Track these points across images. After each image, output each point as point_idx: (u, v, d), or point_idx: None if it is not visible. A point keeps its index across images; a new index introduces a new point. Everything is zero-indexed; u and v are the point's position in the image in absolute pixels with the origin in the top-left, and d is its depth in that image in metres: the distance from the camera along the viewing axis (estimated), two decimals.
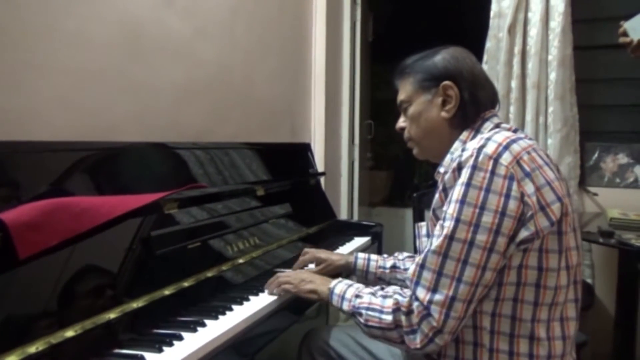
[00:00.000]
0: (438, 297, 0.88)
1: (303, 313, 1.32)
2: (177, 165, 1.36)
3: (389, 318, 0.94)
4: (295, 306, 1.23)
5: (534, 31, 2.31)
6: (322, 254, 1.37)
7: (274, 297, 1.18)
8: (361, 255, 1.36)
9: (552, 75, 2.29)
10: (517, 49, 2.34)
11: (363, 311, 0.98)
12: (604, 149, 2.38)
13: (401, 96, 1.12)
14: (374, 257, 1.36)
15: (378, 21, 3.27)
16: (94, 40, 1.33)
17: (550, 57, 2.31)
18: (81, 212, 0.89)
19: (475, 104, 1.04)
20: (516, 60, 2.35)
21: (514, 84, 2.36)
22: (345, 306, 1.04)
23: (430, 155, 1.12)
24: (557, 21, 2.27)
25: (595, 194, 2.35)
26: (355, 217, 2.92)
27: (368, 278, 1.35)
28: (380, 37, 3.32)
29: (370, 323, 0.97)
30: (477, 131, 1.03)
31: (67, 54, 1.25)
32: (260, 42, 2.11)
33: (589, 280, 2.32)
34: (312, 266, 1.40)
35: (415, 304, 0.91)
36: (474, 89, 1.04)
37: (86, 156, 1.09)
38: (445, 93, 1.04)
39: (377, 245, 1.96)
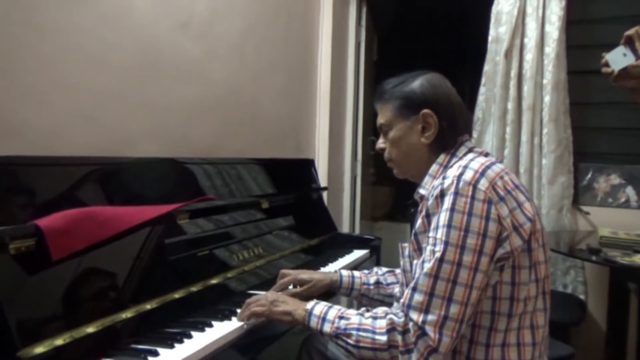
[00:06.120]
0: (431, 317, 0.92)
1: None
2: (188, 179, 1.47)
3: (382, 338, 0.96)
4: None
5: (529, 56, 2.42)
6: (304, 274, 1.36)
7: None
8: (345, 272, 1.39)
9: (547, 98, 2.39)
10: (513, 72, 2.45)
11: (353, 332, 1.00)
12: (597, 169, 2.47)
13: (381, 120, 1.17)
14: (357, 273, 1.39)
15: (382, 40, 3.39)
16: (115, 62, 1.44)
17: (545, 81, 2.41)
18: (105, 220, 1.00)
19: (452, 130, 1.11)
20: (512, 84, 2.45)
21: (510, 105, 2.46)
22: (327, 328, 1.03)
23: (409, 175, 1.18)
24: (551, 47, 2.38)
25: (588, 213, 2.43)
26: (357, 231, 3.00)
27: (352, 295, 1.38)
28: (386, 55, 3.43)
29: (361, 344, 0.98)
30: (453, 155, 1.10)
31: (90, 75, 1.37)
32: (268, 63, 2.23)
33: (581, 297, 2.38)
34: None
35: (411, 323, 0.94)
36: (451, 117, 1.11)
37: (105, 170, 1.20)
38: (425, 120, 1.10)
39: (376, 258, 2.05)
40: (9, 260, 0.88)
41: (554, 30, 2.37)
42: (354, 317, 1.02)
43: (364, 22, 2.99)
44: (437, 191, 0.99)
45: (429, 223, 1.00)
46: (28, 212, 0.96)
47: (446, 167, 1.09)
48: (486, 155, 1.10)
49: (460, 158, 1.08)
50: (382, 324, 0.98)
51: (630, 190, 2.41)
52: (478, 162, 1.01)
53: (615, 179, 2.44)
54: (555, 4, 2.37)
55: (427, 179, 1.11)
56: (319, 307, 1.08)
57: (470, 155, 1.08)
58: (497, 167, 1.02)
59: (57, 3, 1.25)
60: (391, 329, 0.96)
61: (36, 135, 1.22)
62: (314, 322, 1.06)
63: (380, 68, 3.37)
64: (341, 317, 1.03)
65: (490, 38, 2.52)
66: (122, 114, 1.47)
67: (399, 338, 0.95)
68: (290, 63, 2.44)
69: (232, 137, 1.98)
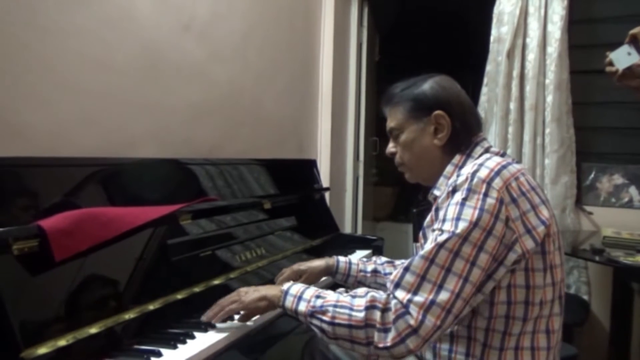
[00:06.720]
0: (418, 298, 0.90)
1: None
2: (191, 180, 1.47)
3: (359, 315, 0.92)
4: None
5: (531, 56, 2.41)
6: (302, 265, 1.37)
7: None
8: (342, 258, 1.39)
9: (549, 98, 2.39)
10: (515, 72, 2.44)
11: (330, 308, 0.96)
12: (600, 169, 2.46)
13: (391, 124, 1.15)
14: (354, 260, 1.39)
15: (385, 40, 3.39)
16: (117, 64, 1.44)
17: (547, 81, 2.40)
18: (108, 221, 1.00)
19: (465, 130, 1.10)
20: (515, 84, 2.44)
21: (512, 105, 2.45)
22: (303, 307, 1.00)
23: (422, 179, 1.17)
24: (553, 47, 2.37)
25: (591, 213, 2.42)
26: (359, 232, 3.00)
27: (348, 281, 1.38)
28: (387, 55, 3.43)
29: (337, 320, 0.94)
30: (469, 155, 1.09)
31: (92, 77, 1.37)
32: (270, 64, 2.23)
33: (584, 297, 2.38)
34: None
35: (394, 302, 0.92)
36: (463, 117, 1.10)
37: (108, 171, 1.20)
38: (437, 122, 1.09)
39: None
40: (12, 261, 0.88)
41: (556, 29, 2.37)
42: (332, 295, 1.00)
43: (365, 23, 2.99)
44: (450, 188, 0.98)
45: (437, 217, 0.99)
46: (31, 213, 0.96)
47: (461, 168, 1.07)
48: (502, 155, 1.08)
49: (476, 159, 1.06)
50: (360, 302, 0.94)
51: (633, 190, 2.40)
52: (494, 161, 1.00)
53: (618, 179, 2.43)
54: (557, 4, 2.37)
55: (441, 180, 1.10)
56: (295, 287, 1.05)
57: (487, 155, 1.06)
58: (514, 168, 1.00)
59: (58, 5, 1.26)
60: (370, 306, 0.93)
61: (38, 137, 1.22)
62: (289, 302, 1.03)
63: (382, 68, 3.37)
64: (318, 297, 1.00)
65: (492, 38, 2.52)
66: (124, 116, 1.48)
67: (377, 315, 0.92)
68: (292, 64, 2.44)
69: (234, 138, 1.98)
